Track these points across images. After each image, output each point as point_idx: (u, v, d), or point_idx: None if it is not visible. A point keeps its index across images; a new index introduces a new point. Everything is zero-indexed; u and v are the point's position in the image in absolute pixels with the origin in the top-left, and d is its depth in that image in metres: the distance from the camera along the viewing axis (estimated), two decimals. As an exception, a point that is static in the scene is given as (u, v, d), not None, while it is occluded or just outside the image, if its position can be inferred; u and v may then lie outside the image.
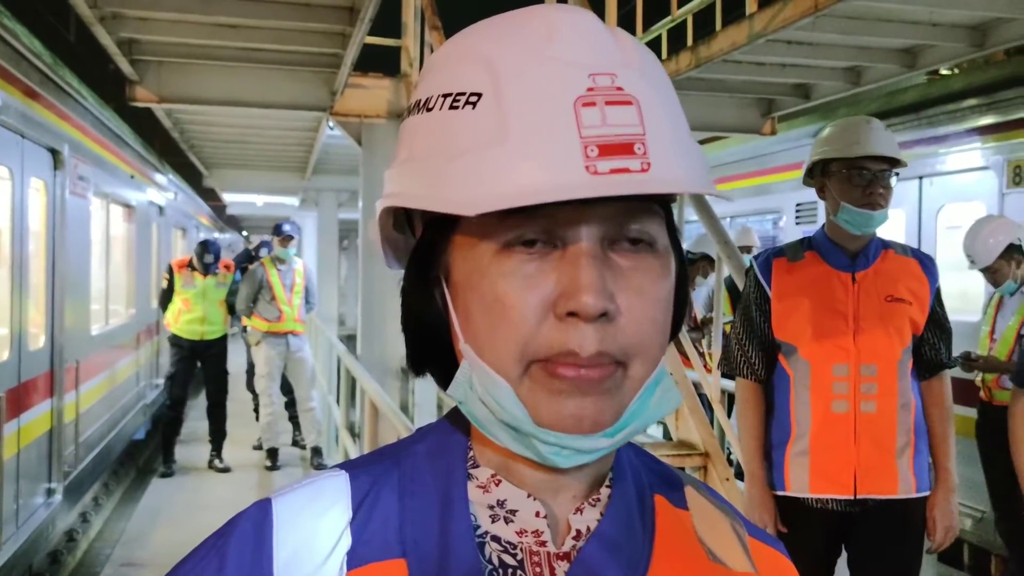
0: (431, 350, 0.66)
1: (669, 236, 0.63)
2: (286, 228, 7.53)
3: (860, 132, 2.46)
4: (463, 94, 0.58)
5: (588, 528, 0.63)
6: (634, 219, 0.59)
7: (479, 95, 0.57)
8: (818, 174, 2.54)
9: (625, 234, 0.59)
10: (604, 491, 0.65)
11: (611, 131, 0.55)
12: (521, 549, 0.62)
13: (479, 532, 0.62)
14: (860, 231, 2.45)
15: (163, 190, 10.97)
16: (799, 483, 2.47)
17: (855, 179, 2.43)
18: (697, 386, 4.11)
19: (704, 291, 6.16)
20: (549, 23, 0.58)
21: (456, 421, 0.67)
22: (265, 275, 7.48)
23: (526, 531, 0.62)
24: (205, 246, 7.73)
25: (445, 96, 0.59)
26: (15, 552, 4.84)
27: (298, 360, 7.64)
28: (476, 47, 0.60)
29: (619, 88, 0.56)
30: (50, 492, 5.73)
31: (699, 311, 6.18)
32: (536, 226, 0.57)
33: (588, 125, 0.54)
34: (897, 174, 2.47)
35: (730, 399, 4.93)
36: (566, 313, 0.56)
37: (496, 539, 0.62)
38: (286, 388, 8.25)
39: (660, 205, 0.62)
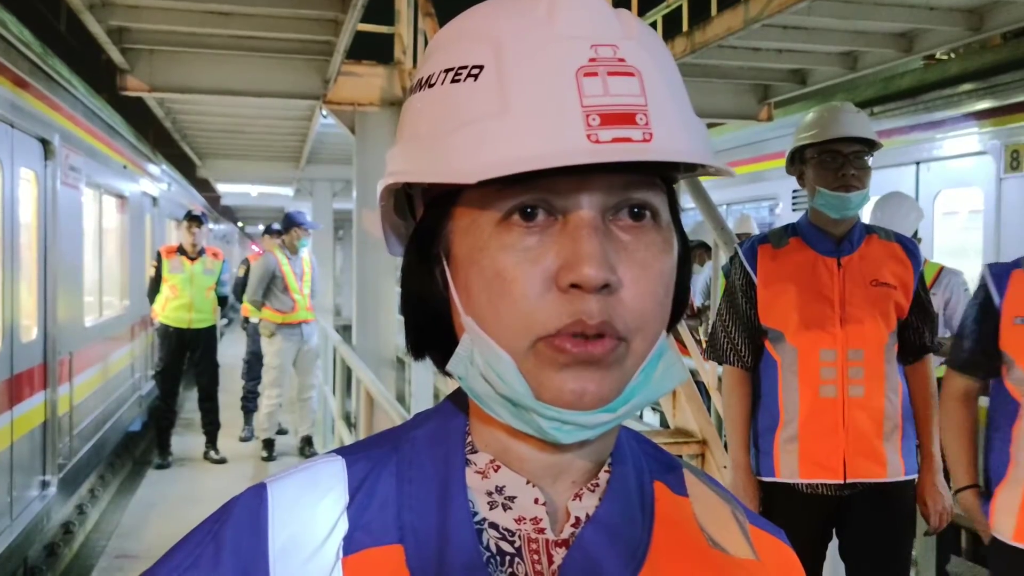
0: (431, 332, 0.65)
1: (671, 214, 0.63)
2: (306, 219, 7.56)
3: (830, 116, 2.49)
4: (464, 67, 0.58)
5: (587, 515, 0.63)
6: (636, 190, 0.58)
7: (480, 67, 0.58)
8: (797, 162, 2.58)
9: (627, 205, 0.58)
10: (603, 475, 0.64)
11: (613, 101, 0.54)
12: (519, 536, 0.61)
13: (477, 519, 0.62)
14: (839, 214, 2.46)
15: (156, 180, 10.91)
16: (789, 469, 2.47)
17: (828, 163, 2.45)
18: (694, 374, 4.09)
19: (701, 279, 6.13)
20: (550, 1, 0.58)
21: (456, 405, 0.67)
22: (277, 265, 7.42)
23: (524, 518, 0.62)
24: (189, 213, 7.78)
25: (447, 71, 0.60)
26: (10, 544, 4.83)
27: (308, 349, 7.64)
28: (477, 25, 0.61)
29: (621, 59, 0.56)
30: (45, 484, 5.71)
31: (696, 299, 6.15)
32: (536, 196, 0.57)
33: (590, 94, 0.54)
34: (871, 155, 2.48)
35: (727, 386, 4.92)
36: (568, 285, 0.55)
37: (494, 526, 0.62)
38: (252, 375, 8.26)
39: (663, 181, 0.61)
